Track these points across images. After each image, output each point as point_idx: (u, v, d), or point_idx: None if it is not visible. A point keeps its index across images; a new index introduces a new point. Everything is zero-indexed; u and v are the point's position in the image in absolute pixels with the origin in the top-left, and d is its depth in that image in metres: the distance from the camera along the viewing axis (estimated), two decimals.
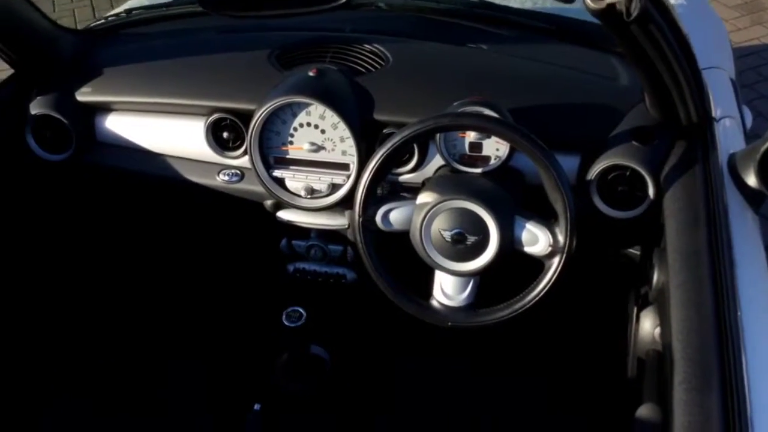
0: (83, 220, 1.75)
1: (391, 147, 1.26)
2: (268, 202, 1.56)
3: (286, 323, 1.53)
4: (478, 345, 1.74)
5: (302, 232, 1.59)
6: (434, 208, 1.27)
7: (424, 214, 1.27)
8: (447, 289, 1.33)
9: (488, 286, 1.34)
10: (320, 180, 1.49)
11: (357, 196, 1.30)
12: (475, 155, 1.39)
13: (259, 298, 1.71)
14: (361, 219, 1.31)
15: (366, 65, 1.52)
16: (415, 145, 1.42)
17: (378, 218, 1.32)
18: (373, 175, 1.28)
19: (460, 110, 1.33)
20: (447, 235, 1.27)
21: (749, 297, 1.04)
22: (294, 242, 1.62)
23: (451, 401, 1.68)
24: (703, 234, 1.13)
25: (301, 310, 1.56)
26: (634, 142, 1.34)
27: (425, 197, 1.29)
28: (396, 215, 1.32)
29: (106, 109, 1.61)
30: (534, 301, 1.26)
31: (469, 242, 1.26)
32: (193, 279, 1.87)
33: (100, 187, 1.67)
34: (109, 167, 1.60)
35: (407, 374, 1.74)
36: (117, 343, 1.81)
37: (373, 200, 1.31)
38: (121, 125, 1.61)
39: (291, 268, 1.64)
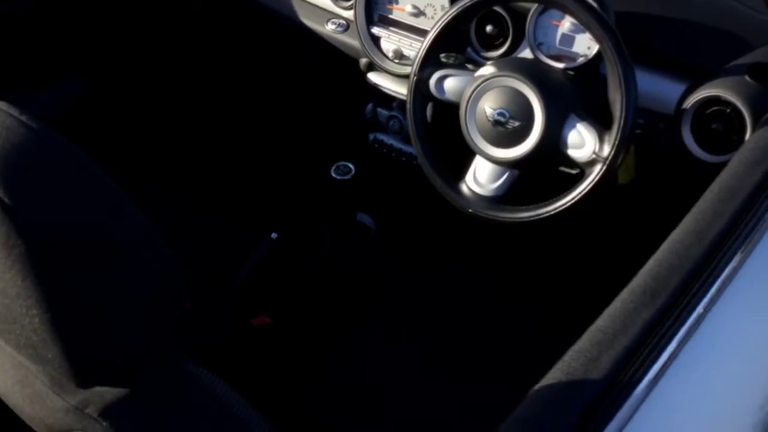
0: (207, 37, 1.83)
1: (460, 7, 1.18)
2: (363, 61, 1.54)
3: (334, 175, 1.52)
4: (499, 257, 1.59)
5: (387, 99, 1.56)
6: (486, 82, 1.18)
7: (475, 86, 1.19)
8: (479, 175, 1.24)
9: (523, 191, 1.23)
10: (411, 46, 1.44)
11: (418, 53, 1.24)
12: (564, 51, 1.26)
13: (329, 155, 1.69)
14: (415, 78, 1.25)
15: None
16: (510, 27, 1.32)
17: (432, 81, 1.25)
18: (437, 34, 1.21)
19: None
20: (490, 113, 1.17)
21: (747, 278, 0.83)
22: (378, 109, 1.59)
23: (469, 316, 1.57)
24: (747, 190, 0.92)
25: (350, 165, 1.54)
26: (747, 77, 1.13)
27: (484, 70, 1.20)
28: (450, 83, 1.24)
29: None
30: (560, 209, 1.14)
31: (509, 126, 1.16)
32: (276, 117, 1.89)
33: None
34: None
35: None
36: (195, 150, 1.87)
37: (432, 61, 1.25)
38: None
39: (371, 136, 1.62)
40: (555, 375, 0.70)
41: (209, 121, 1.86)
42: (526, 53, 1.30)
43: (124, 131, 1.76)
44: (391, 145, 1.61)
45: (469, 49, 1.37)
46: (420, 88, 1.26)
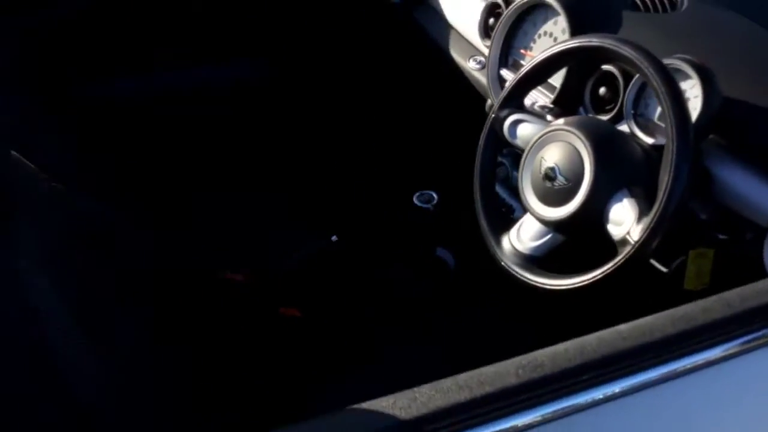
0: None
1: (547, 56, 1.13)
2: (489, 102, 1.52)
3: (416, 202, 1.50)
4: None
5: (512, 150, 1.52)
6: (551, 133, 1.10)
7: (540, 135, 1.12)
8: (523, 231, 1.16)
9: (561, 258, 1.13)
10: (530, 95, 1.39)
11: (504, 90, 1.20)
12: (659, 127, 1.14)
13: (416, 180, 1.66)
14: (493, 116, 1.21)
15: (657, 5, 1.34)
16: (622, 92, 1.22)
17: (507, 123, 1.20)
18: (521, 77, 1.17)
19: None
20: (544, 166, 1.10)
21: None
22: (511, 164, 1.56)
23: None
24: None
25: (434, 194, 1.51)
26: None
27: (556, 122, 1.13)
28: (523, 128, 1.18)
29: None
30: (578, 285, 1.03)
31: (557, 184, 1.07)
32: (385, 129, 1.89)
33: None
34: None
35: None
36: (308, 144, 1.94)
37: (514, 103, 1.20)
38: None
39: (500, 195, 1.58)
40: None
41: (329, 117, 1.93)
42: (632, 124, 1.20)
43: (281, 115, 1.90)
44: (504, 200, 1.56)
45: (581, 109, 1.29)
46: (494, 127, 1.22)
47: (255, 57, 1.89)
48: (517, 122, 1.20)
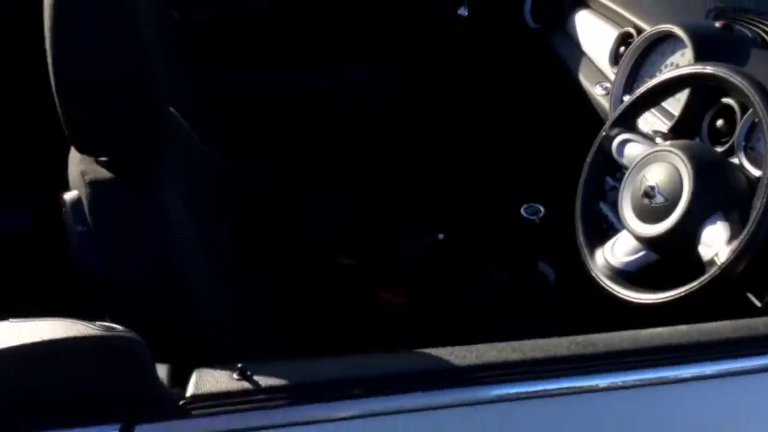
0: None
1: (661, 81, 1.17)
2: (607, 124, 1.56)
3: (523, 214, 1.55)
4: None
5: (617, 169, 1.55)
6: (655, 153, 1.14)
7: (645, 155, 1.16)
8: (618, 246, 1.19)
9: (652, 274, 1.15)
10: (646, 121, 1.43)
11: (617, 110, 1.25)
12: None
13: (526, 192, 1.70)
14: (603, 134, 1.26)
15: None
16: (738, 121, 1.23)
17: (616, 142, 1.24)
18: (635, 99, 1.21)
19: None
20: (644, 184, 1.13)
21: None
22: (608, 176, 1.59)
23: None
24: None
25: (541, 207, 1.55)
26: None
27: (663, 143, 1.16)
28: (631, 148, 1.22)
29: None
30: (659, 302, 1.05)
31: (655, 202, 1.11)
32: (499, 137, 1.95)
33: None
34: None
35: None
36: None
37: (627, 123, 1.24)
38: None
39: (601, 209, 1.62)
40: None
41: (454, 124, 2.02)
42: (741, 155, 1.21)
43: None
44: (606, 216, 1.59)
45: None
46: (603, 145, 1.26)
47: (394, 66, 2.03)
48: (625, 141, 1.24)
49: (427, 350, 0.78)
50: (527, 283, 1.62)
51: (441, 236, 1.62)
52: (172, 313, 0.84)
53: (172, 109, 1.02)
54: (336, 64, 2.00)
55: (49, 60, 0.84)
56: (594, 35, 1.70)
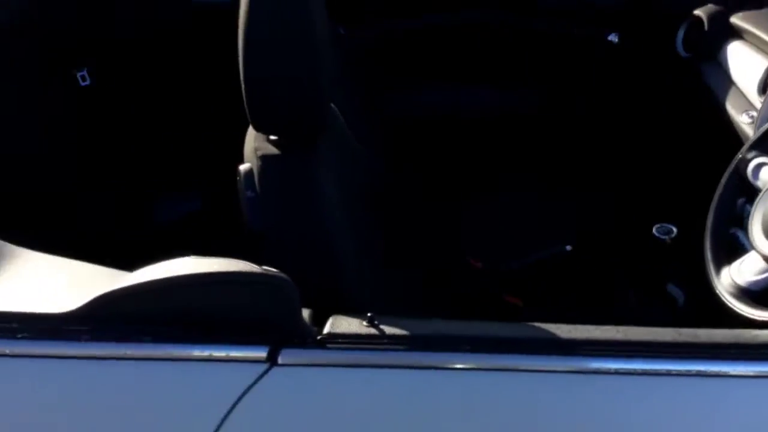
0: None
1: None
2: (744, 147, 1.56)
3: (655, 233, 1.56)
4: None
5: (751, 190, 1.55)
6: None
7: None
8: (745, 264, 1.20)
9: None
10: None
11: (756, 134, 1.27)
12: None
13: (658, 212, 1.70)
14: (740, 156, 1.28)
15: None
16: None
17: (752, 165, 1.26)
18: None
19: None
20: None
21: None
22: (741, 198, 1.58)
23: None
24: None
25: (673, 227, 1.55)
26: None
27: None
28: (766, 172, 1.23)
29: None
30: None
31: None
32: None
33: None
34: None
35: None
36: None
37: (763, 148, 1.25)
38: None
39: (731, 230, 1.61)
40: None
41: (590, 142, 2.07)
42: None
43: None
44: (737, 237, 1.57)
45: None
46: (739, 167, 1.28)
47: (540, 86, 2.12)
48: (761, 165, 1.25)
49: (536, 323, 0.87)
50: (655, 303, 1.63)
51: (569, 248, 1.67)
52: (318, 268, 0.98)
53: (333, 105, 1.18)
54: (485, 84, 2.11)
55: (240, 56, 1.02)
56: (744, 65, 1.71)
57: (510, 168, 1.98)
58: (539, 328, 0.86)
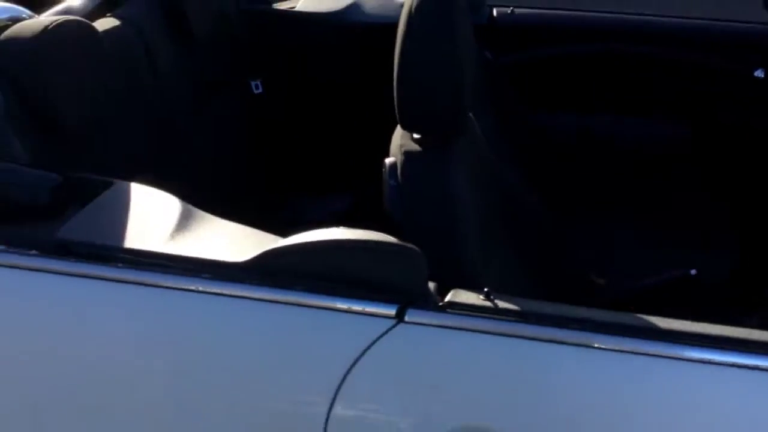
0: None
1: None
2: None
3: None
4: None
5: None
6: None
7: None
8: None
9: None
10: None
11: None
12: None
13: None
14: None
15: None
16: None
17: None
18: None
19: None
20: None
21: None
22: None
23: None
24: None
25: None
26: None
27: None
28: None
29: None
30: None
31: None
32: None
33: None
34: None
35: None
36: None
37: None
38: None
39: None
40: None
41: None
42: None
43: None
44: None
45: None
46: None
47: (682, 120, 2.15)
48: None
49: (640, 315, 0.97)
50: None
51: (693, 272, 1.70)
52: (445, 248, 1.13)
53: (471, 115, 1.33)
54: (622, 114, 2.18)
55: (396, 66, 1.20)
56: None
57: (642, 190, 2.04)
58: (641, 318, 0.96)
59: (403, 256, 1.00)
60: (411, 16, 1.17)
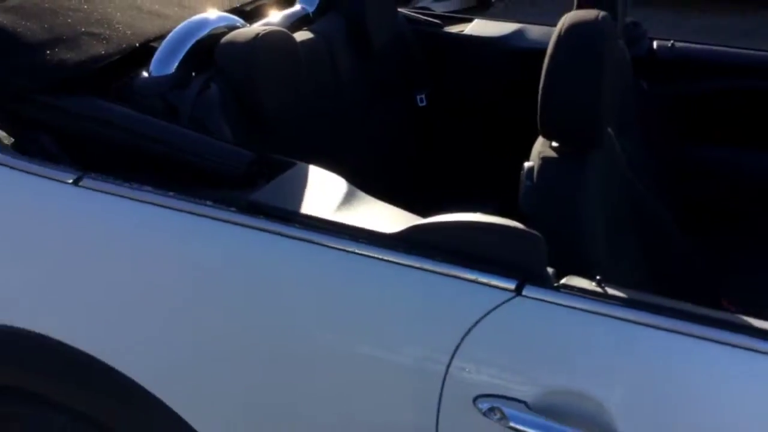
0: None
1: None
2: None
3: None
4: None
5: None
6: None
7: None
8: None
9: None
10: None
11: None
12: None
13: None
14: None
15: None
16: None
17: None
18: None
19: None
20: None
21: None
22: None
23: None
24: None
25: None
26: None
27: None
28: None
29: None
30: None
31: None
32: None
33: None
34: None
35: None
36: None
37: None
38: None
39: None
40: None
41: None
42: None
43: None
44: None
45: None
46: None
47: None
48: None
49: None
50: None
51: None
52: (570, 245, 1.28)
53: (610, 131, 1.47)
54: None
55: (543, 77, 1.37)
56: None
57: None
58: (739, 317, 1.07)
59: (527, 240, 1.17)
60: (559, 38, 1.35)
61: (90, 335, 1.39)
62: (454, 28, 2.51)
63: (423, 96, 2.42)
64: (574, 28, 1.35)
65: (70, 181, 1.40)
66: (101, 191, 1.39)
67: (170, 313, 1.35)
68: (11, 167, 1.44)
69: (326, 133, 1.98)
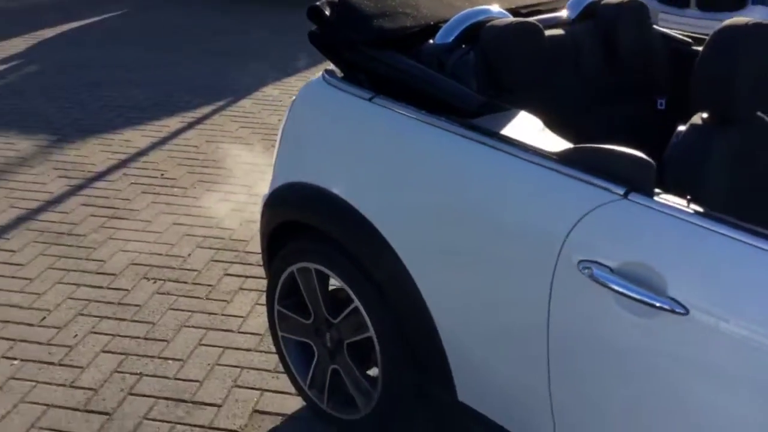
0: None
1: None
2: None
3: None
4: None
5: None
6: None
7: None
8: None
9: None
10: None
11: None
12: None
13: None
14: None
15: None
16: None
17: None
18: None
19: None
20: None
21: None
22: None
23: None
24: None
25: None
26: None
27: None
28: None
29: None
30: None
31: None
32: None
33: None
34: None
35: None
36: None
37: None
38: None
39: None
40: None
41: None
42: None
43: None
44: None
45: None
46: None
47: None
48: None
49: None
50: None
51: None
52: (687, 187, 1.73)
53: (761, 114, 1.84)
54: None
55: (698, 60, 1.81)
56: None
57: None
58: None
59: (642, 164, 1.66)
60: (715, 32, 1.79)
61: (366, 202, 2.20)
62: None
63: (663, 101, 2.83)
64: (725, 30, 1.79)
65: (368, 97, 2.21)
66: (385, 107, 2.18)
67: (417, 191, 2.09)
68: (342, 90, 2.32)
69: (555, 110, 2.54)
